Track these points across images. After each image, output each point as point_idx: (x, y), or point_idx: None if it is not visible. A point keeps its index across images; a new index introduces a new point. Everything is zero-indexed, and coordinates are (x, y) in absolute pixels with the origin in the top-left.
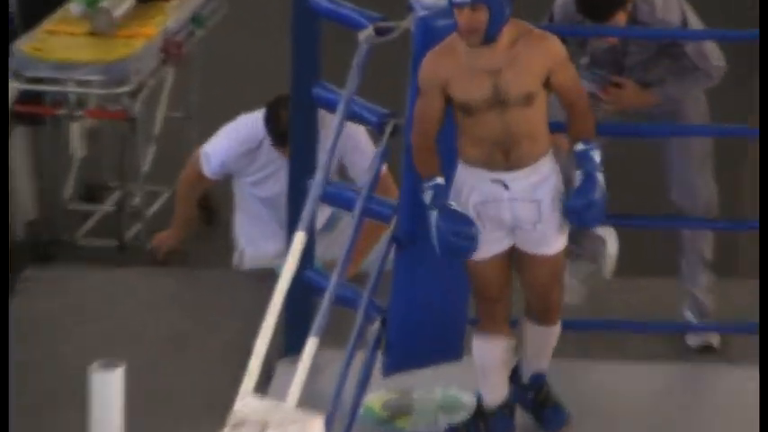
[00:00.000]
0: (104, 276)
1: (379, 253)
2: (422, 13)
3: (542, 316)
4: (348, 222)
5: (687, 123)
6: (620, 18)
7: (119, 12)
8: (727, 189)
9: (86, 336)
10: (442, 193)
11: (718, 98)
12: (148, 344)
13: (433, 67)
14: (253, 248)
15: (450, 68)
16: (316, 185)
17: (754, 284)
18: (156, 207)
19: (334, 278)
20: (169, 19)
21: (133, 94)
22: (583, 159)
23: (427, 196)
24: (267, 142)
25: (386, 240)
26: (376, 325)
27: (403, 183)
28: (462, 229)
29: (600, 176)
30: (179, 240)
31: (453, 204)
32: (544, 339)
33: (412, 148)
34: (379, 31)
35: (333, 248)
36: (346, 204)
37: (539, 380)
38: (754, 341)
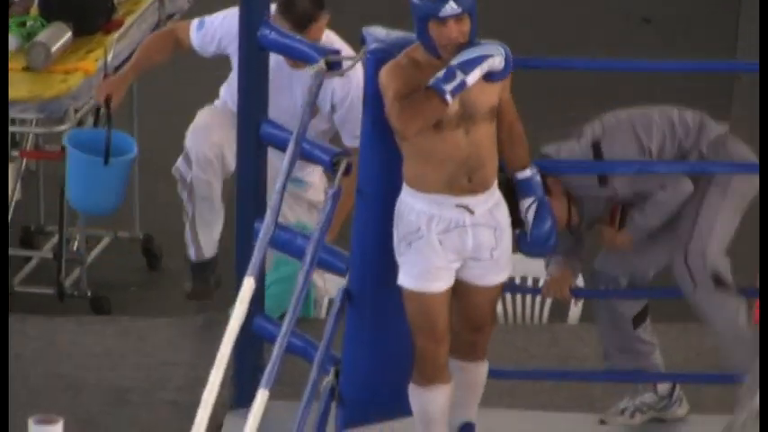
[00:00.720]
0: (43, 325)
1: (333, 305)
2: (374, 45)
3: (474, 350)
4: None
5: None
6: None
7: (56, 46)
8: None
9: (24, 388)
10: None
11: None
12: (89, 397)
13: (401, 72)
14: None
15: (417, 81)
16: (265, 229)
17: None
18: (96, 252)
19: (285, 326)
20: (109, 53)
21: None
22: (532, 186)
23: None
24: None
25: (339, 294)
26: (330, 376)
27: (353, 235)
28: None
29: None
30: (123, 87)
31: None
32: (474, 378)
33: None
34: (331, 65)
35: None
36: (296, 252)
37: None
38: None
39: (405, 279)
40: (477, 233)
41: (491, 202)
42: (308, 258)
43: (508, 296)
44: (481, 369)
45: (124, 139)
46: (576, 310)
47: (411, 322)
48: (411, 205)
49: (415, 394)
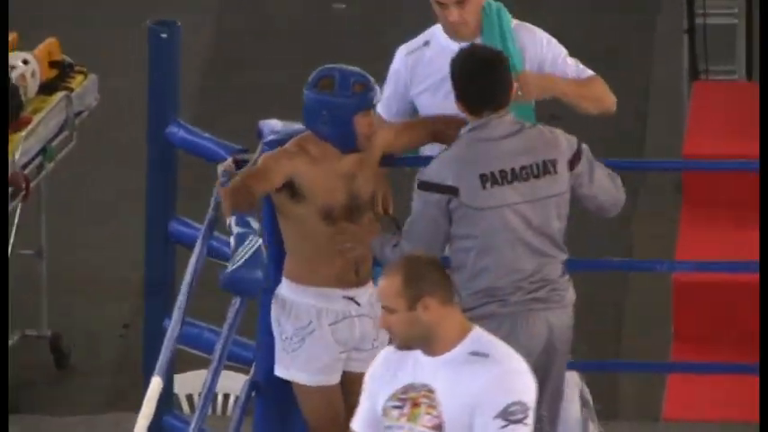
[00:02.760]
0: None
1: (239, 400)
2: (270, 137)
3: None
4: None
5: None
6: None
7: None
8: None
9: None
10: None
11: None
12: None
13: (288, 161)
14: None
15: (305, 169)
16: (173, 326)
17: None
18: None
19: (193, 423)
20: (17, 151)
21: None
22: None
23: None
24: None
25: (245, 387)
26: None
27: (259, 326)
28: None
29: None
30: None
31: None
32: None
33: None
34: (238, 164)
35: None
36: (206, 347)
37: None
38: None
39: (302, 376)
40: (362, 323)
41: (371, 291)
42: (217, 354)
43: None
44: None
45: None
46: None
47: (313, 418)
48: (298, 301)
49: None
